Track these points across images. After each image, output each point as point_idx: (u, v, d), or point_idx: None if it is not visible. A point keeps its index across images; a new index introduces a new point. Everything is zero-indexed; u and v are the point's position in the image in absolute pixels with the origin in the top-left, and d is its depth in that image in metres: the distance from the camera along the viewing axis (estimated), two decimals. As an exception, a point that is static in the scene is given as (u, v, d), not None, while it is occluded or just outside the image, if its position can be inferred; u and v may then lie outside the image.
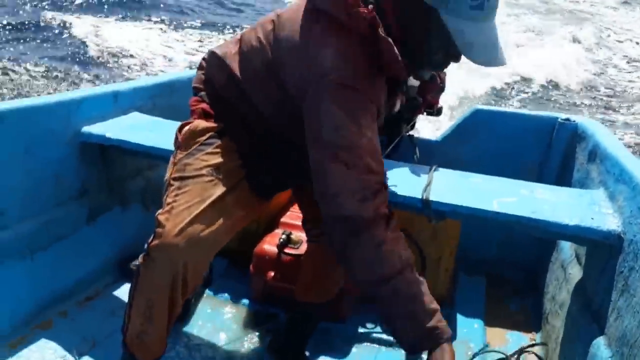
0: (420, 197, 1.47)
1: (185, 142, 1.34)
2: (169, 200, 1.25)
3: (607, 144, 1.68)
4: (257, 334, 1.79)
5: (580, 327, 1.43)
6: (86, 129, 1.79)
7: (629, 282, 1.22)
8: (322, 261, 1.57)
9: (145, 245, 1.25)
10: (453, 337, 1.79)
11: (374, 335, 1.83)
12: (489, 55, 1.11)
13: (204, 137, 1.32)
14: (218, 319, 1.84)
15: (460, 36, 1.08)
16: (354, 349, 1.76)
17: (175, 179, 1.29)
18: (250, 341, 1.76)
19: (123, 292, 1.90)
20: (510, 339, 1.85)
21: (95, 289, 1.88)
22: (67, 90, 5.95)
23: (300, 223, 1.98)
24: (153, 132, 1.86)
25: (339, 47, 1.12)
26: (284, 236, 1.91)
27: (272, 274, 1.88)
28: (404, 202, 1.48)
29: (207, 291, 1.98)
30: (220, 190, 1.26)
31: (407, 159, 1.98)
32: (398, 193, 1.51)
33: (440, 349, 1.12)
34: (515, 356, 1.54)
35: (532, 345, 1.63)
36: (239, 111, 1.33)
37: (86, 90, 1.92)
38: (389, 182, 1.59)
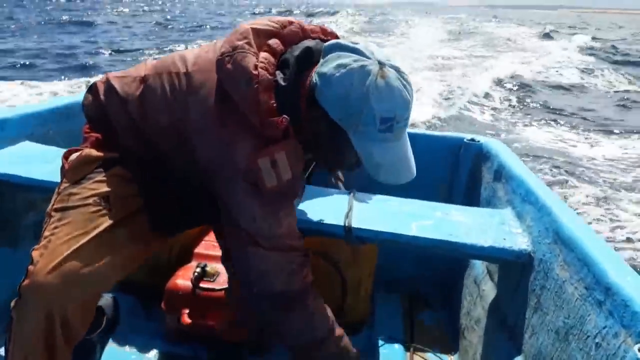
0: (342, 224, 1.46)
1: (72, 170, 1.22)
2: (46, 233, 1.12)
3: (511, 164, 1.78)
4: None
5: (497, 345, 1.49)
6: None
7: (541, 300, 1.28)
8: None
9: (17, 287, 1.09)
10: (376, 358, 1.82)
11: None
12: (396, 174, 1.14)
13: (94, 166, 1.21)
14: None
15: (368, 158, 1.10)
16: None
17: (56, 210, 1.16)
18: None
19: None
20: (430, 357, 1.88)
21: None
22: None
23: (217, 253, 1.90)
24: (47, 162, 1.68)
25: (252, 150, 1.08)
26: (198, 269, 1.81)
27: (187, 311, 1.76)
28: (327, 230, 1.46)
29: (114, 334, 1.81)
30: (108, 221, 1.15)
31: (324, 181, 1.97)
32: (320, 220, 1.49)
33: None
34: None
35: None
36: (139, 154, 1.23)
37: (-34, 118, 1.70)
38: (310, 208, 1.57)
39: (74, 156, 1.24)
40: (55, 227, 1.12)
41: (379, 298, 2.18)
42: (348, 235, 1.46)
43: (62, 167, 1.25)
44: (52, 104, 2.03)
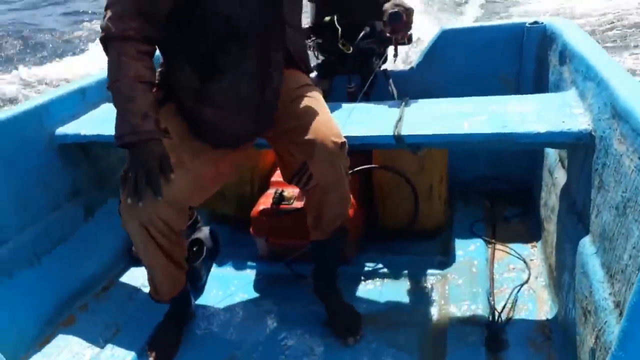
0: (392, 134, 1.48)
1: None
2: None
3: (575, 43, 1.65)
4: (268, 292, 1.86)
5: (568, 229, 1.46)
6: (60, 130, 1.81)
7: (603, 178, 1.24)
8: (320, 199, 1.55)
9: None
10: (454, 259, 1.87)
11: (378, 272, 1.88)
12: None
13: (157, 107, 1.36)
14: (230, 284, 1.91)
15: None
16: (360, 287, 1.83)
17: None
18: (263, 300, 1.83)
19: (135, 276, 1.98)
20: (513, 252, 1.89)
21: (109, 279, 1.96)
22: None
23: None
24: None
25: None
26: (276, 195, 1.95)
27: (272, 232, 1.93)
28: (379, 142, 1.50)
29: (215, 260, 2.04)
30: (173, 150, 1.32)
31: (383, 95, 1.97)
32: (372, 134, 1.53)
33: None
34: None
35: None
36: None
37: (53, 92, 1.92)
38: (364, 123, 1.60)
39: None
40: None
41: (458, 201, 2.20)
42: (400, 143, 1.48)
43: None
44: None
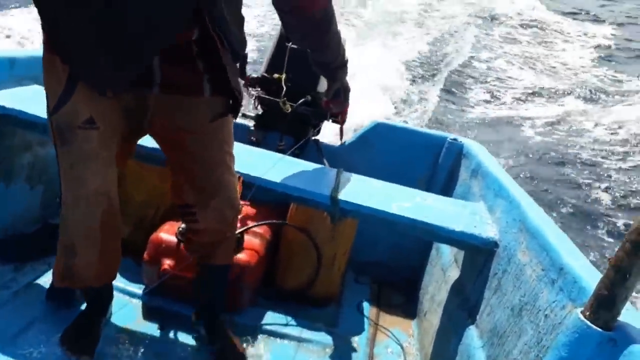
0: (329, 194, 1.57)
1: None
2: None
3: (487, 164, 1.92)
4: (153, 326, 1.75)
5: (455, 323, 1.62)
6: None
7: (501, 282, 1.42)
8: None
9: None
10: (340, 332, 1.94)
11: (265, 328, 1.86)
12: None
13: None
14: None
15: None
16: (245, 338, 1.78)
17: None
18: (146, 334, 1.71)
19: (5, 274, 1.75)
20: (392, 336, 2.00)
21: None
22: None
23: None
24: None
25: None
26: (183, 225, 1.89)
27: (168, 262, 1.84)
28: (315, 199, 1.57)
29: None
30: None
31: (312, 161, 2.08)
32: (309, 190, 1.60)
33: None
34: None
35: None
36: None
37: (-23, 52, 1.75)
38: (300, 179, 1.67)
39: None
40: None
41: (350, 277, 2.30)
42: (334, 205, 1.57)
43: None
44: None
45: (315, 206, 1.60)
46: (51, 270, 1.76)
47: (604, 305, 0.92)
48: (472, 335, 1.45)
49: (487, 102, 8.43)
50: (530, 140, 6.82)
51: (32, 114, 1.63)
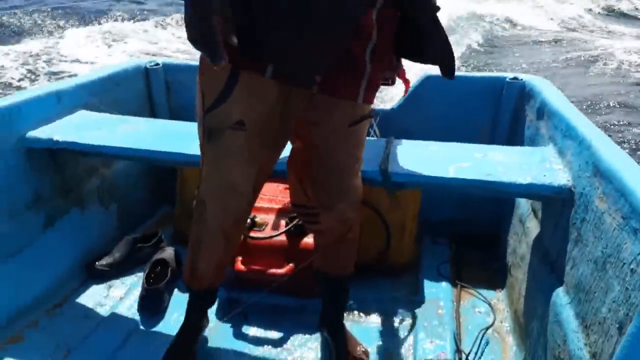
0: (378, 169, 1.50)
1: None
2: None
3: (553, 101, 1.74)
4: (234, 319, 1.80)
5: (540, 278, 1.51)
6: (31, 133, 1.72)
7: (581, 232, 1.29)
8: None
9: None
10: (422, 298, 1.89)
11: (350, 305, 1.85)
12: None
13: None
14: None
15: None
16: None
17: None
18: (223, 327, 1.77)
19: (91, 294, 1.88)
20: (478, 295, 1.93)
21: (64, 295, 1.85)
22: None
23: (265, 205, 1.99)
24: (102, 129, 1.80)
25: None
26: (248, 220, 1.91)
27: (240, 258, 1.88)
28: (365, 177, 1.51)
29: (177, 283, 1.97)
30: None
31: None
32: None
33: None
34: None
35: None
36: None
37: (27, 92, 1.83)
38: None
39: None
40: None
41: (426, 240, 2.23)
42: (385, 180, 1.50)
43: None
44: (100, 74, 2.13)
45: (369, 182, 1.54)
46: (140, 282, 1.89)
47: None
48: (559, 292, 1.35)
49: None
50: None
51: (86, 144, 1.70)
